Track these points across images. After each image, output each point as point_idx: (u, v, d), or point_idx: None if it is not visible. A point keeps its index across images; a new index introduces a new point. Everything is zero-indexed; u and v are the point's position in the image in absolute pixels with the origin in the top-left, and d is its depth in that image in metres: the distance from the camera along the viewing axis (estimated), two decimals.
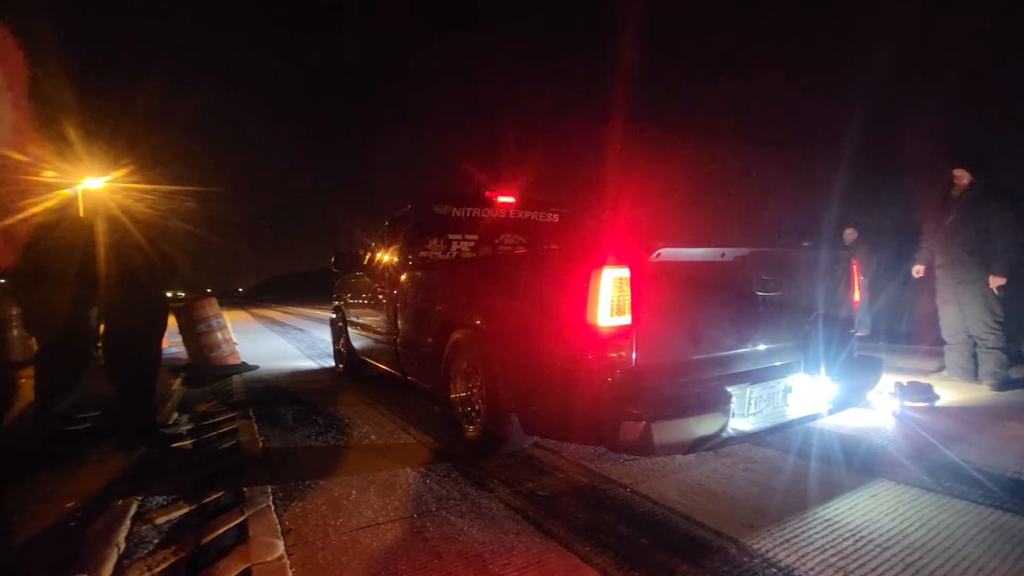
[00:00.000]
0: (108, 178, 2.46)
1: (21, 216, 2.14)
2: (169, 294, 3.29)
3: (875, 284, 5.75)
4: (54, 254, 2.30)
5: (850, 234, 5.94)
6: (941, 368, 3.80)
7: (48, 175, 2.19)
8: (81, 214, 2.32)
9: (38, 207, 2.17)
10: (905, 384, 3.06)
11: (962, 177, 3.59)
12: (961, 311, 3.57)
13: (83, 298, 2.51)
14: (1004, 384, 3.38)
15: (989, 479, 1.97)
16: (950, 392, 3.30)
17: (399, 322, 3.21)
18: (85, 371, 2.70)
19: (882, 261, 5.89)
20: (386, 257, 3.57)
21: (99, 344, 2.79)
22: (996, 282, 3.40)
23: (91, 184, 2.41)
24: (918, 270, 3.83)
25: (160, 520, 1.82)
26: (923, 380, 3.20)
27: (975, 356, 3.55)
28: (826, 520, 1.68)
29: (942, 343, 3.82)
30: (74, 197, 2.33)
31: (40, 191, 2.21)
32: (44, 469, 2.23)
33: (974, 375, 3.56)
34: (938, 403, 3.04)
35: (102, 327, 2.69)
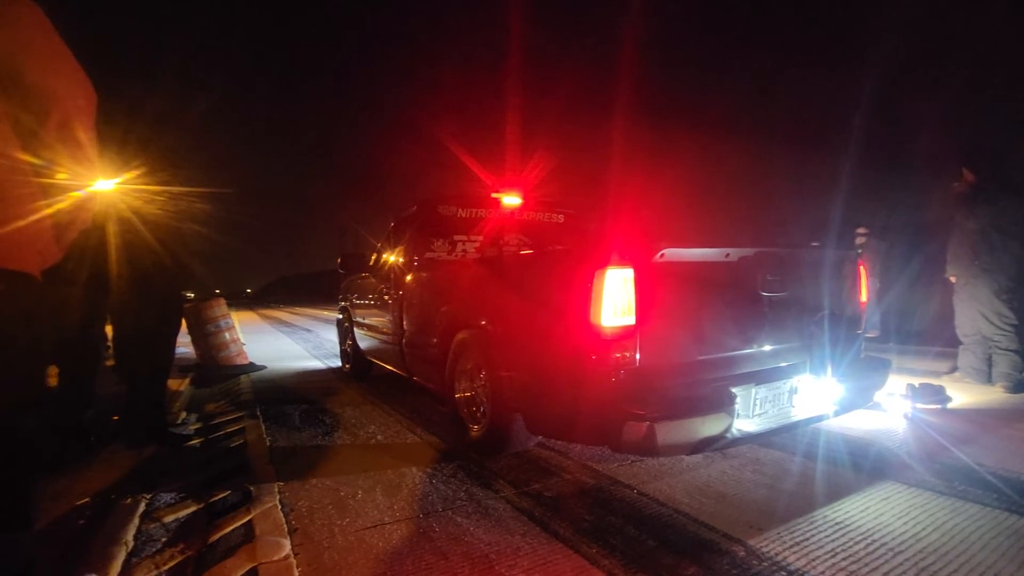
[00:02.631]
0: (119, 180, 2.48)
1: (34, 217, 2.16)
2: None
3: (885, 283, 5.68)
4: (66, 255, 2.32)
5: (862, 233, 5.88)
6: (954, 369, 3.75)
7: (60, 177, 2.22)
8: (92, 216, 2.34)
9: (50, 209, 2.19)
10: (917, 386, 3.02)
11: (967, 175, 3.55)
12: (973, 311, 3.52)
13: (93, 300, 2.53)
14: (1018, 386, 3.32)
15: (1003, 482, 1.93)
16: (963, 394, 3.25)
17: (404, 322, 3.21)
18: (95, 373, 2.72)
19: (893, 261, 5.82)
20: (392, 258, 3.58)
21: (108, 345, 2.82)
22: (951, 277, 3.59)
23: (102, 186, 2.43)
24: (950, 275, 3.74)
25: (168, 519, 1.83)
26: (935, 382, 3.15)
27: (989, 358, 3.49)
28: (836, 523, 1.66)
29: (954, 344, 3.77)
30: (86, 199, 2.35)
31: (53, 192, 2.23)
32: (55, 467, 2.26)
33: (987, 377, 3.50)
34: (951, 405, 2.99)
35: (110, 328, 2.72)
